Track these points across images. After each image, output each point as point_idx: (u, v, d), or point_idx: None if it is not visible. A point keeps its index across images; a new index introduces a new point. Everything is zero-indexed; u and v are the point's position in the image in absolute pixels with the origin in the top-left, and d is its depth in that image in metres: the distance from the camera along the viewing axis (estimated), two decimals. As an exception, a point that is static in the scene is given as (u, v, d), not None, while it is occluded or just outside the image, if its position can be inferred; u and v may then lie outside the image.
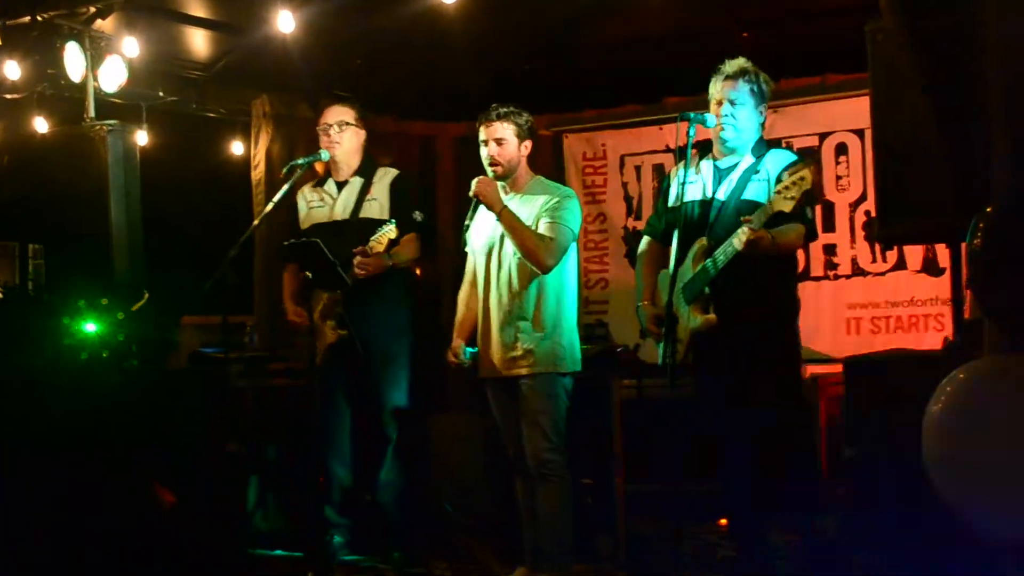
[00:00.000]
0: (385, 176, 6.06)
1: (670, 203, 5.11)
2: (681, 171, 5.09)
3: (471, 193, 5.14)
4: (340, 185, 6.03)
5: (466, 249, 5.43)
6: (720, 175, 5.00)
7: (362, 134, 6.05)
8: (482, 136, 5.23)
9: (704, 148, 5.19)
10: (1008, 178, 3.42)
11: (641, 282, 5.25)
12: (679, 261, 4.91)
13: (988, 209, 3.21)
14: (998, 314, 3.23)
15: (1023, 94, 3.26)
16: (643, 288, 5.22)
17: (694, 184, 5.05)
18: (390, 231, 5.60)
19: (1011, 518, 3.07)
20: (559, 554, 5.17)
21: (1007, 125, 3.46)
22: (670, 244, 4.93)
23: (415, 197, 6.19)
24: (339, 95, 7.49)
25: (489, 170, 5.21)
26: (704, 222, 4.94)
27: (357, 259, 5.66)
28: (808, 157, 4.72)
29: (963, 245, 3.40)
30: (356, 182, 6.01)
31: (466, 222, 5.31)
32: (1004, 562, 3.27)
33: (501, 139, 5.18)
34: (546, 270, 5.10)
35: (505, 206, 5.11)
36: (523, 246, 5.07)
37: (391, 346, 6.01)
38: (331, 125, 5.97)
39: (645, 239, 5.32)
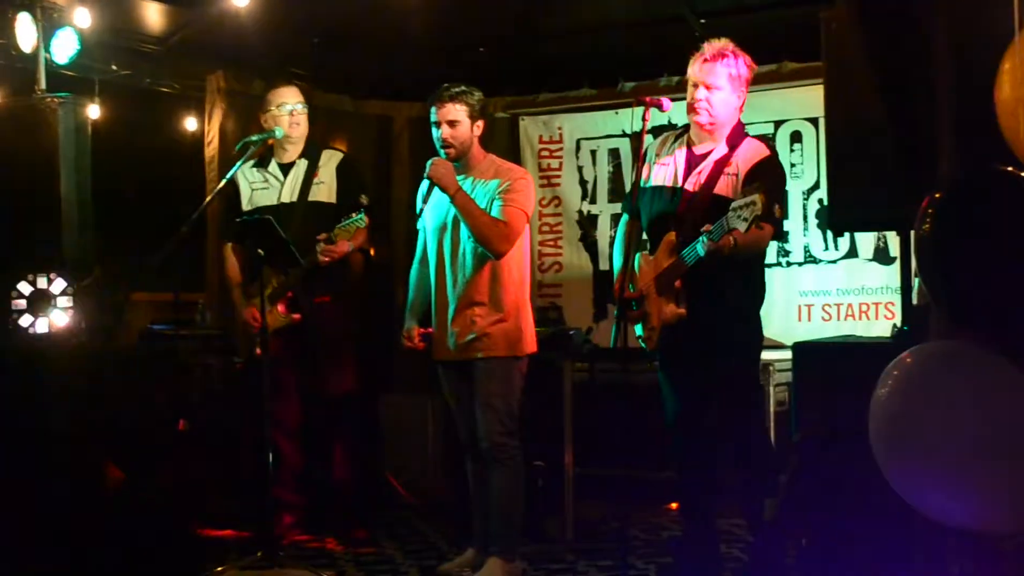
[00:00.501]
0: (331, 159, 6.04)
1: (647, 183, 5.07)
2: (652, 150, 5.09)
3: (426, 175, 5.12)
4: (284, 167, 6.00)
5: (417, 226, 5.41)
6: (691, 163, 4.96)
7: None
8: (434, 118, 5.19)
9: (682, 131, 5.15)
10: (954, 166, 3.45)
11: (619, 261, 5.18)
12: (651, 248, 4.93)
13: (935, 196, 3.23)
14: (944, 299, 3.26)
15: (970, 84, 3.29)
16: (619, 267, 5.15)
17: (666, 168, 5.01)
18: (360, 221, 5.56)
19: (954, 500, 3.11)
20: (509, 535, 5.18)
21: (954, 114, 3.49)
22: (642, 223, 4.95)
23: (361, 180, 6.19)
24: (295, 73, 7.47)
25: (442, 152, 5.18)
26: (673, 212, 4.92)
27: (321, 246, 5.64)
28: (767, 174, 4.69)
29: (912, 232, 3.43)
30: (301, 164, 5.99)
31: (420, 205, 5.30)
32: (947, 544, 3.31)
33: (454, 121, 5.15)
34: (500, 255, 5.08)
35: (460, 189, 5.08)
36: (477, 230, 5.05)
37: (341, 329, 6.01)
38: (294, 106, 5.94)
39: (624, 218, 5.26)
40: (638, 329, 4.96)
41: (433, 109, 5.18)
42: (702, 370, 4.89)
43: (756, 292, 4.98)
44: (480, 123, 5.23)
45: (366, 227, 5.83)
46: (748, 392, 4.99)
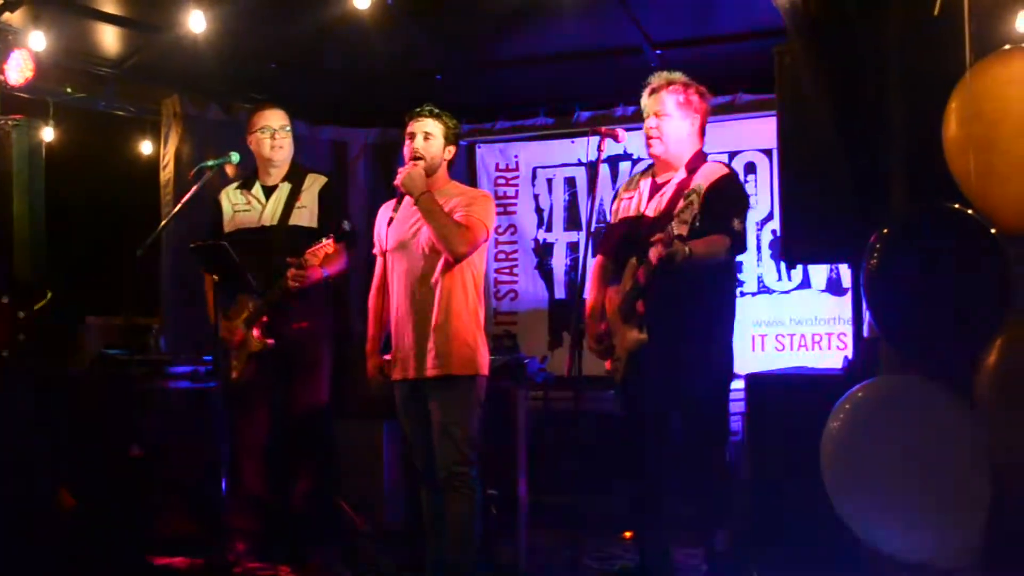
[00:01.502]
0: (314, 183, 6.01)
1: (612, 220, 5.12)
2: (622, 188, 5.14)
3: (395, 182, 5.12)
4: (267, 190, 5.97)
5: (374, 252, 5.41)
6: (654, 191, 5.02)
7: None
8: (410, 130, 5.21)
9: (648, 165, 5.21)
10: (905, 201, 3.50)
11: (589, 299, 5.22)
12: (616, 279, 4.96)
13: (884, 231, 3.28)
14: (891, 334, 3.31)
15: (922, 120, 3.34)
16: (588, 305, 5.20)
17: (631, 199, 5.07)
18: (327, 245, 5.55)
19: (904, 534, 3.15)
20: (463, 564, 5.17)
21: (905, 149, 3.55)
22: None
23: (342, 206, 6.17)
24: (251, 98, 7.46)
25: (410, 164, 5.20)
26: (636, 239, 4.96)
27: (292, 271, 5.61)
28: (726, 190, 4.75)
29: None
30: (284, 188, 5.96)
31: (388, 213, 5.28)
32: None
33: (429, 134, 5.19)
34: (457, 256, 5.08)
35: (427, 192, 5.09)
36: (438, 230, 5.04)
37: (314, 355, 5.98)
38: (276, 129, 5.92)
39: (596, 257, 5.30)
40: (606, 358, 4.97)
41: (411, 122, 5.21)
42: (664, 397, 4.88)
43: (721, 317, 4.97)
44: (452, 148, 5.26)
45: (341, 253, 5.83)
46: (712, 420, 4.95)
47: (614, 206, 5.10)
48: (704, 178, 4.85)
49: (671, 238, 4.51)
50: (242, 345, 5.73)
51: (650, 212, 4.95)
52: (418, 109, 5.26)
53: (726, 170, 4.96)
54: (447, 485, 5.14)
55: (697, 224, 4.55)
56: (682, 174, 4.95)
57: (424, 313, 5.15)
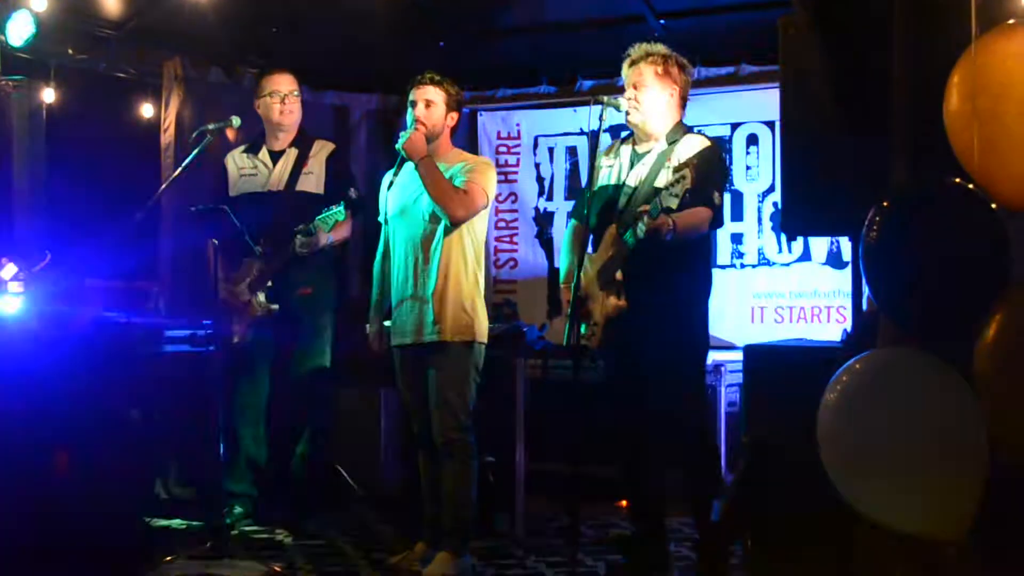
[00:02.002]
0: (322, 150, 6.03)
1: (594, 188, 5.15)
2: (602, 155, 5.16)
3: (398, 146, 5.13)
4: (275, 155, 5.98)
5: (379, 219, 5.42)
6: (635, 161, 5.06)
7: None
8: (411, 97, 5.24)
9: (627, 134, 5.24)
10: (907, 174, 3.49)
11: (566, 264, 5.27)
12: (594, 246, 4.99)
13: (883, 203, 3.27)
14: (889, 308, 3.31)
15: (927, 94, 3.33)
16: (566, 270, 5.25)
17: (612, 169, 5.12)
18: (338, 213, 5.58)
19: (900, 506, 3.16)
20: (460, 531, 5.20)
21: (908, 121, 3.54)
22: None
23: (350, 173, 6.20)
24: (252, 61, 7.44)
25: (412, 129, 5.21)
26: (615, 208, 5.00)
27: (300, 238, 5.63)
28: (708, 160, 4.79)
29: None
30: (292, 153, 5.98)
31: (389, 178, 5.29)
32: (890, 549, 3.36)
33: (430, 101, 5.21)
34: (455, 220, 5.09)
35: (428, 156, 5.10)
36: (437, 193, 5.05)
37: (318, 321, 6.01)
38: (286, 94, 5.93)
39: (572, 222, 5.35)
40: (583, 328, 5.00)
41: (412, 90, 5.24)
42: (644, 364, 4.93)
43: (700, 287, 5.03)
44: (455, 115, 5.29)
45: (347, 220, 5.85)
46: (690, 386, 5.01)
47: (592, 174, 5.12)
48: (685, 150, 4.89)
49: (658, 212, 4.54)
50: (245, 309, 5.74)
51: (631, 181, 4.99)
52: (420, 76, 5.27)
53: (708, 142, 5.00)
54: (444, 452, 5.16)
55: (687, 198, 4.58)
56: (662, 144, 4.99)
57: (424, 279, 5.16)
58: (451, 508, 5.20)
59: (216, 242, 5.41)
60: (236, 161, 6.00)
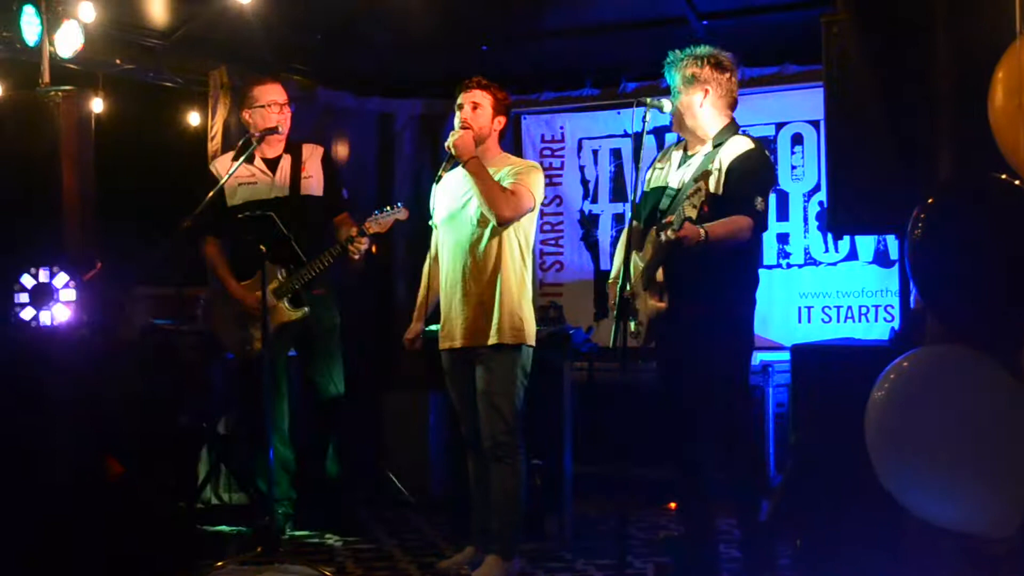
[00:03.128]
0: (315, 152, 6.14)
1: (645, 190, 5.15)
2: (657, 159, 5.16)
3: (447, 144, 5.16)
4: (270, 162, 6.05)
5: (431, 223, 5.45)
6: (682, 163, 5.03)
7: None
8: (459, 101, 5.27)
9: (678, 137, 5.22)
10: (952, 171, 3.47)
11: (616, 264, 5.27)
12: (639, 247, 4.98)
13: (929, 200, 3.25)
14: (936, 305, 3.29)
15: (970, 89, 3.31)
16: (614, 267, 5.25)
17: (662, 171, 5.10)
18: (399, 213, 5.64)
19: (947, 503, 3.14)
20: (509, 534, 5.21)
21: (953, 119, 3.52)
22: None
23: (341, 174, 6.29)
24: (297, 69, 7.49)
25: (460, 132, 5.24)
26: (658, 209, 4.99)
27: (355, 242, 5.69)
28: (749, 163, 4.76)
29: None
30: (287, 159, 6.06)
31: (439, 172, 5.31)
32: (939, 547, 3.34)
33: (477, 104, 5.24)
34: (503, 221, 5.12)
35: (476, 156, 5.14)
36: (485, 193, 5.08)
37: (330, 321, 6.09)
38: (283, 103, 6.01)
39: (630, 223, 5.32)
40: (632, 325, 4.99)
41: (461, 94, 5.28)
42: (685, 367, 4.91)
43: (742, 290, 4.97)
44: (502, 119, 5.31)
45: (350, 219, 5.95)
46: (732, 388, 4.96)
47: (648, 174, 5.11)
48: (727, 153, 4.84)
49: (681, 221, 4.51)
50: (271, 315, 5.76)
51: (674, 183, 4.97)
52: (468, 80, 5.30)
53: (750, 144, 4.89)
54: (492, 455, 5.17)
55: (705, 211, 4.54)
56: (708, 147, 4.94)
57: (472, 283, 5.19)
58: (500, 512, 5.21)
59: (264, 248, 5.45)
60: (229, 170, 5.99)
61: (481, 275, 5.19)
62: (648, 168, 5.17)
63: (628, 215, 5.33)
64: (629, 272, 4.90)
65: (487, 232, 5.18)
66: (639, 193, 5.05)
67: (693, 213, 4.49)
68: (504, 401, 5.14)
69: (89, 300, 5.97)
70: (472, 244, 5.21)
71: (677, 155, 5.09)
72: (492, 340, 5.15)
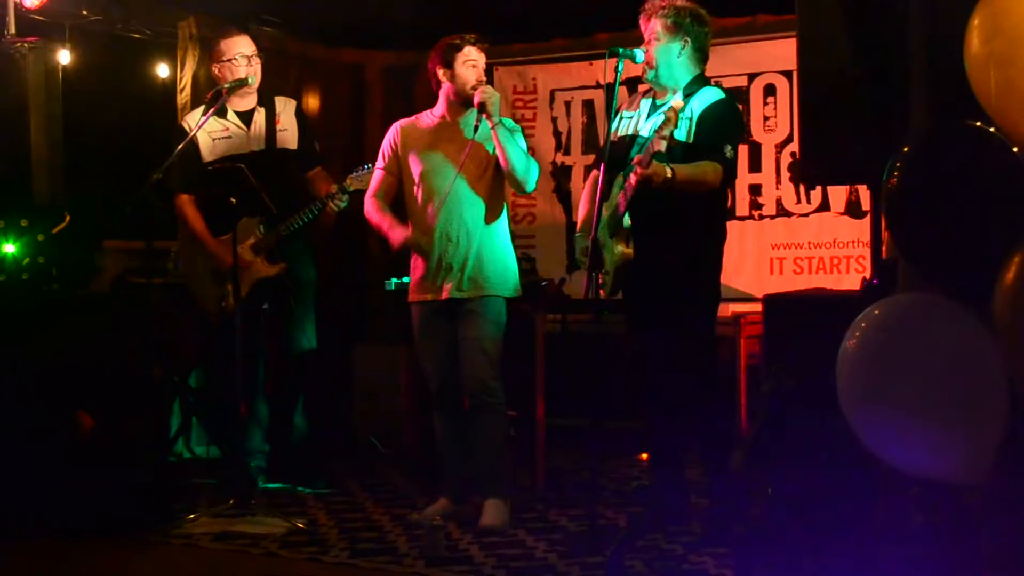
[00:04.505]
0: (287, 105, 6.10)
1: (613, 138, 5.14)
2: (624, 107, 5.15)
3: (476, 100, 5.16)
4: (244, 116, 5.99)
5: (378, 167, 5.43)
6: (652, 112, 5.04)
7: None
8: (473, 57, 5.31)
9: (646, 86, 5.21)
10: (927, 120, 3.47)
11: (580, 213, 5.29)
12: (605, 195, 4.97)
13: (904, 149, 3.25)
14: (910, 252, 3.29)
15: (946, 38, 3.30)
16: (579, 219, 5.27)
17: (630, 120, 5.10)
18: (369, 172, 5.63)
19: (920, 451, 3.15)
20: (502, 477, 5.28)
21: (927, 68, 3.51)
22: None
23: (313, 127, 6.25)
24: (267, 20, 7.42)
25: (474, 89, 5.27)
26: (627, 157, 4.98)
27: (335, 198, 5.67)
28: (721, 112, 4.77)
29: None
30: (260, 112, 6.00)
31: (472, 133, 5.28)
32: (910, 494, 3.36)
33: (476, 62, 5.34)
34: (528, 191, 5.33)
35: (502, 120, 5.22)
36: (516, 163, 5.17)
37: (310, 280, 6.07)
38: (251, 55, 5.94)
39: (593, 171, 5.35)
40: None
41: (473, 49, 5.32)
42: (652, 315, 4.94)
43: (710, 239, 4.99)
44: None
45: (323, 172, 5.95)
46: (697, 340, 4.99)
47: (615, 124, 5.10)
48: (699, 103, 4.86)
49: (649, 157, 4.51)
50: (246, 271, 5.74)
51: (644, 131, 4.98)
52: (467, 37, 5.30)
53: (721, 94, 4.97)
54: (481, 402, 5.22)
55: (672, 139, 4.55)
56: (679, 98, 4.95)
57: (467, 234, 5.21)
58: (490, 456, 5.28)
59: (234, 201, 5.42)
60: (203, 125, 5.94)
61: (472, 228, 5.23)
62: (615, 117, 5.16)
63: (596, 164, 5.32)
64: (598, 222, 4.89)
65: (480, 186, 5.21)
66: (607, 143, 5.06)
67: (660, 145, 4.50)
68: (492, 347, 5.24)
69: (58, 253, 5.93)
70: (462, 196, 5.23)
71: (646, 103, 5.10)
72: (485, 292, 5.20)
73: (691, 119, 4.82)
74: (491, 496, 5.26)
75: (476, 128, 5.16)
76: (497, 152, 5.17)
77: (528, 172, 5.21)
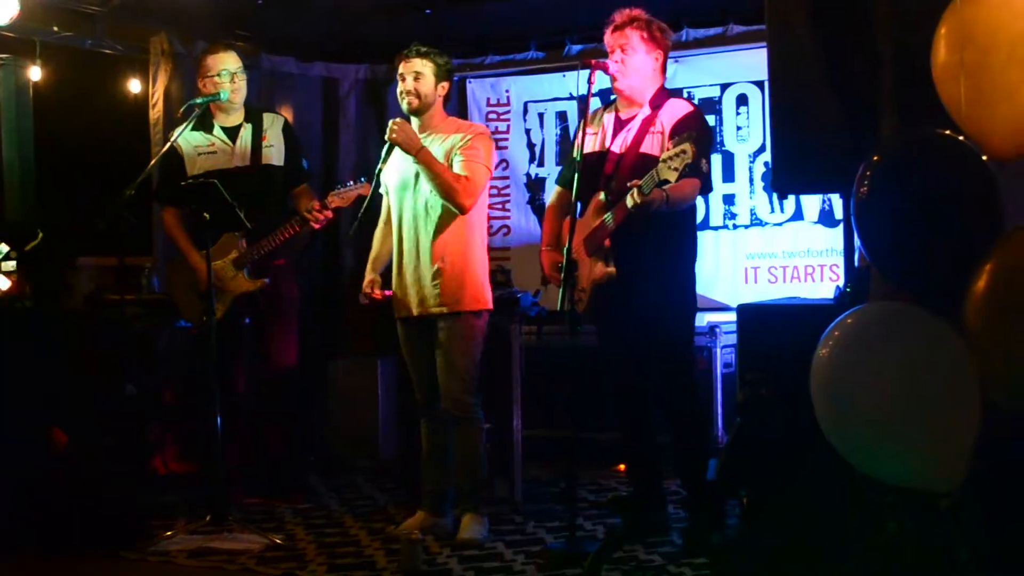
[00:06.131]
0: (275, 122, 6.07)
1: (576, 154, 5.16)
2: (583, 125, 5.16)
3: (387, 137, 5.15)
4: (229, 131, 5.97)
5: (380, 191, 5.43)
6: (619, 126, 5.07)
7: None
8: (400, 71, 5.28)
9: (609, 99, 5.25)
10: (896, 129, 3.49)
11: (546, 228, 5.33)
12: (580, 212, 4.99)
13: (874, 158, 3.27)
14: (881, 262, 3.31)
15: (914, 48, 3.32)
16: (546, 234, 5.31)
17: (596, 135, 5.12)
18: (361, 188, 5.60)
19: (892, 458, 3.17)
20: (477, 492, 5.28)
21: (896, 77, 3.53)
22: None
23: (301, 144, 6.23)
24: (239, 35, 7.41)
25: (403, 102, 5.26)
26: (601, 174, 5.01)
27: (314, 213, 5.65)
28: (692, 128, 4.78)
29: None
30: (247, 128, 5.98)
31: (379, 166, 5.30)
32: (884, 501, 3.37)
33: (419, 73, 5.25)
34: (464, 210, 5.16)
35: (423, 148, 5.16)
36: (441, 187, 5.12)
37: (289, 292, 6.05)
38: (235, 72, 5.92)
39: (556, 188, 5.40)
40: (560, 293, 5.02)
41: (400, 63, 5.29)
42: (632, 330, 4.96)
43: (687, 251, 5.06)
44: (445, 85, 5.32)
45: (310, 189, 5.92)
46: (678, 348, 5.05)
47: (577, 140, 5.11)
48: (669, 116, 4.90)
49: (652, 185, 4.54)
50: (227, 286, 5.75)
51: (616, 148, 5.01)
52: (407, 49, 5.28)
53: (691, 107, 5.04)
54: (454, 417, 5.23)
55: (687, 171, 4.57)
56: (647, 110, 5.00)
57: (427, 252, 5.20)
58: (466, 471, 5.29)
59: (207, 216, 5.41)
60: (188, 140, 5.95)
61: (437, 244, 5.21)
62: (574, 134, 5.21)
63: (557, 180, 5.39)
64: (571, 237, 4.90)
65: (440, 202, 5.19)
66: (571, 160, 5.09)
67: (673, 176, 4.51)
68: (462, 361, 5.21)
69: (31, 270, 5.90)
70: (426, 213, 5.23)
71: (609, 119, 5.13)
72: (453, 307, 5.18)
73: (663, 133, 4.87)
74: (468, 511, 5.26)
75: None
76: None
77: (451, 195, 5.13)
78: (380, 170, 5.32)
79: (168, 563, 5.03)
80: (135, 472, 6.10)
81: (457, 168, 5.16)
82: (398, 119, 5.21)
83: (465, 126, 5.40)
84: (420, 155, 5.13)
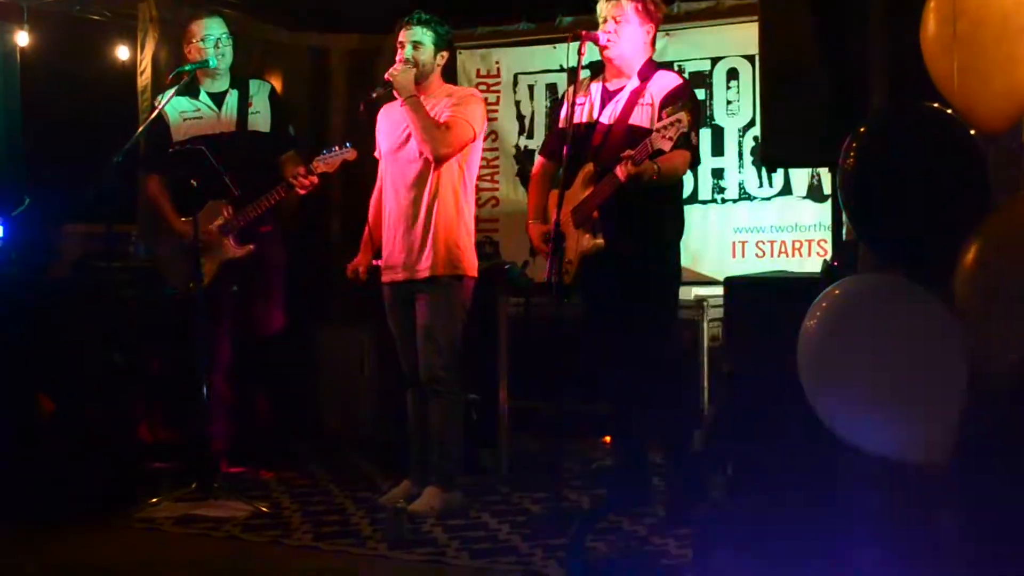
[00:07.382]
0: (262, 88, 6.07)
1: (562, 124, 5.17)
2: (572, 92, 5.16)
3: (385, 76, 5.17)
4: (215, 97, 5.97)
5: (375, 155, 5.46)
6: (607, 97, 5.07)
7: None
8: (400, 39, 5.32)
9: (597, 70, 5.23)
10: (885, 103, 3.49)
11: (531, 200, 5.34)
12: (567, 183, 4.99)
13: (860, 130, 3.27)
14: (866, 234, 3.31)
15: (903, 21, 3.32)
16: (532, 206, 5.31)
17: (582, 106, 5.11)
18: (347, 153, 5.60)
19: (879, 430, 3.18)
20: (447, 466, 5.26)
21: (886, 51, 3.53)
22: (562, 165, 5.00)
23: (288, 111, 6.22)
24: (228, 2, 7.36)
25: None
26: (590, 145, 5.00)
27: (300, 179, 5.64)
28: (683, 99, 4.79)
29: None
30: (233, 94, 5.98)
31: (371, 95, 5.30)
32: (869, 473, 3.38)
33: (418, 43, 5.27)
34: (439, 158, 5.17)
35: (415, 94, 5.17)
36: (421, 132, 5.15)
37: (277, 257, 6.05)
38: (219, 37, 5.90)
39: (539, 159, 5.40)
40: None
41: (401, 31, 5.33)
42: (618, 302, 4.97)
43: (674, 223, 5.08)
44: (444, 54, 5.38)
45: (297, 156, 5.91)
46: (663, 320, 5.06)
47: (563, 111, 5.11)
48: (658, 88, 4.91)
49: (645, 155, 4.55)
50: (213, 252, 5.74)
51: (604, 119, 5.00)
52: (408, 18, 5.29)
53: (679, 79, 5.04)
54: (430, 389, 5.21)
55: (681, 142, 4.58)
56: (635, 82, 5.00)
57: (414, 215, 5.21)
58: (438, 445, 5.27)
59: (195, 183, 5.40)
60: (175, 106, 5.94)
61: (423, 208, 5.22)
62: (562, 104, 5.20)
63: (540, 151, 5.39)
64: (559, 208, 4.90)
65: (430, 165, 5.19)
66: (558, 131, 5.09)
67: (667, 146, 4.53)
68: (443, 334, 5.19)
69: (18, 237, 5.88)
70: (415, 177, 5.25)
71: (596, 88, 5.13)
72: (433, 272, 5.19)
73: (652, 105, 4.87)
74: (431, 484, 5.25)
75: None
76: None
77: (429, 140, 5.15)
78: (367, 102, 5.30)
79: (154, 530, 5.04)
80: (122, 440, 6.10)
81: (442, 120, 5.19)
82: (401, 65, 5.22)
83: (457, 90, 5.48)
84: (410, 100, 5.16)
